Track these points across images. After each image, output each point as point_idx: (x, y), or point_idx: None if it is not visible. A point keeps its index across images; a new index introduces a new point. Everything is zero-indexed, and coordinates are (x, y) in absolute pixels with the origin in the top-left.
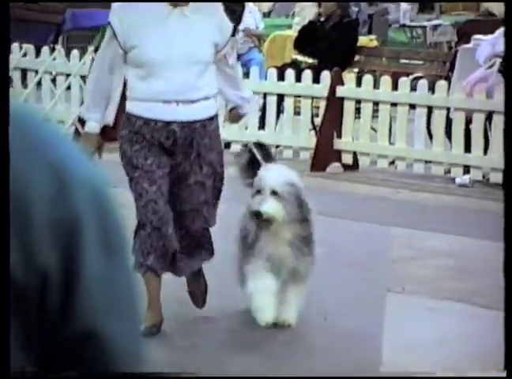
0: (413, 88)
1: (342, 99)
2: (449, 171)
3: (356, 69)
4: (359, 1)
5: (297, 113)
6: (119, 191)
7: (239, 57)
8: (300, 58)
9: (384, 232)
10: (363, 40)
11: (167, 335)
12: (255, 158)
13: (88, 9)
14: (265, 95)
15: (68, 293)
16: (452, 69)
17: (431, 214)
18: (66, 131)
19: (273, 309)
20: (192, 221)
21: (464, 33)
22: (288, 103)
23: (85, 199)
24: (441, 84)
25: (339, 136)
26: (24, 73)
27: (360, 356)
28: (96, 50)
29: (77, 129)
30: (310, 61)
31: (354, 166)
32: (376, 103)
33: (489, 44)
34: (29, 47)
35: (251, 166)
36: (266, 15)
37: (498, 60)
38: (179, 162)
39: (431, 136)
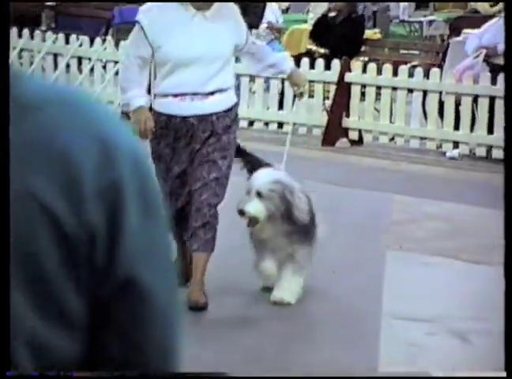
0: (411, 75)
1: (350, 84)
2: (440, 146)
3: (362, 58)
4: (367, 1)
5: (311, 96)
6: None
7: None
8: (314, 48)
9: (385, 198)
10: (368, 33)
11: None
12: (249, 163)
13: (132, 5)
14: (283, 81)
15: (112, 246)
16: (444, 58)
17: (425, 183)
18: (115, 110)
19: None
20: (200, 194)
21: (455, 28)
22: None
23: (128, 168)
24: (434, 71)
25: (347, 115)
26: (79, 60)
27: (363, 304)
28: None
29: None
30: (323, 51)
31: (359, 141)
32: (379, 88)
33: (476, 37)
34: (84, 39)
35: (248, 169)
36: (285, 11)
37: (484, 51)
38: (197, 147)
39: (425, 116)
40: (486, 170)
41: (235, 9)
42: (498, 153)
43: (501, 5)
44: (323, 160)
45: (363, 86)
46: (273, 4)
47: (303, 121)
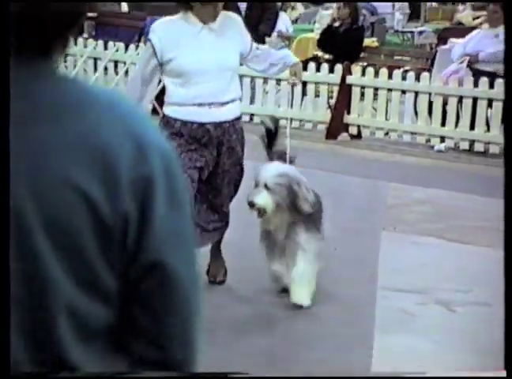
0: (404, 78)
1: (350, 85)
2: (429, 140)
3: (361, 63)
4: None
5: (317, 96)
6: None
7: None
8: (320, 54)
9: (381, 185)
10: (367, 42)
11: None
12: (270, 129)
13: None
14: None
15: (142, 232)
16: (433, 64)
17: (416, 172)
18: (144, 110)
19: (284, 278)
20: (214, 197)
21: (442, 37)
22: (310, 88)
23: (157, 163)
24: (424, 75)
25: (348, 113)
26: (115, 64)
27: (361, 275)
28: None
29: (154, 107)
30: (327, 56)
31: (358, 136)
32: (376, 89)
33: (461, 46)
34: (120, 45)
35: (268, 137)
36: (294, 21)
37: (467, 58)
38: (213, 154)
39: (416, 114)
40: (469, 161)
41: (238, 18)
42: (479, 146)
43: (482, 18)
44: (327, 152)
45: (362, 87)
46: (284, 15)
47: (309, 117)
